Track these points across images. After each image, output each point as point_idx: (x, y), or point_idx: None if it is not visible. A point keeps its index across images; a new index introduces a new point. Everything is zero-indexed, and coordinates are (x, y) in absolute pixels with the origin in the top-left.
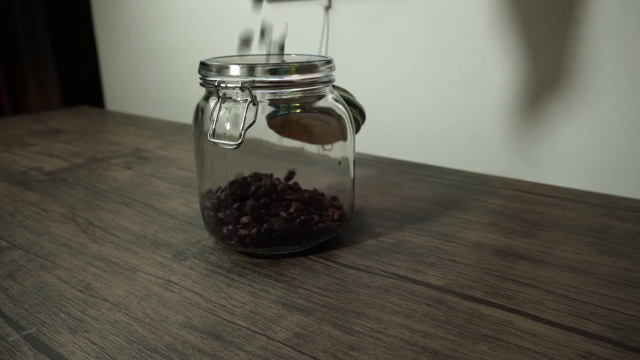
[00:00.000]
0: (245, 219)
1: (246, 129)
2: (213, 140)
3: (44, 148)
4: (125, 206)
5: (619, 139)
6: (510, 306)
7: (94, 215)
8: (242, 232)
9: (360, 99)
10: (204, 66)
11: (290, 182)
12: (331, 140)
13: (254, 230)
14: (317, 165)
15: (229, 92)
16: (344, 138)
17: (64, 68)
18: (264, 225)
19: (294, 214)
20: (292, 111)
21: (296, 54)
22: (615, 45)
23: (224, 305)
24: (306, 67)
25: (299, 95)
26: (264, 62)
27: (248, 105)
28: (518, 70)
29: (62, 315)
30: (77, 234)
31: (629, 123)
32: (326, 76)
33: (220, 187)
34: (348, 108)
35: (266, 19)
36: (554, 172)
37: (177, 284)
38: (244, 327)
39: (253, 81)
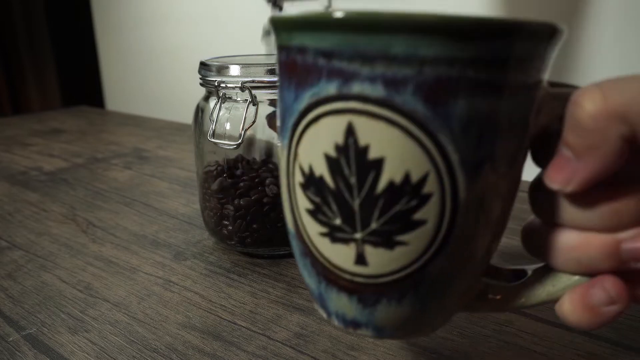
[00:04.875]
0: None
1: (246, 129)
2: (213, 140)
3: (44, 148)
4: (125, 206)
5: None
6: None
7: (94, 215)
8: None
9: None
10: (204, 66)
11: None
12: None
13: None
14: None
15: (229, 92)
16: None
17: (64, 68)
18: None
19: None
20: None
21: None
22: (617, 40)
23: (224, 305)
24: None
25: None
26: (264, 62)
27: (248, 105)
28: None
29: (62, 315)
30: (77, 234)
31: None
32: None
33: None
34: None
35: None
36: None
37: (177, 284)
38: (244, 327)
39: (253, 81)
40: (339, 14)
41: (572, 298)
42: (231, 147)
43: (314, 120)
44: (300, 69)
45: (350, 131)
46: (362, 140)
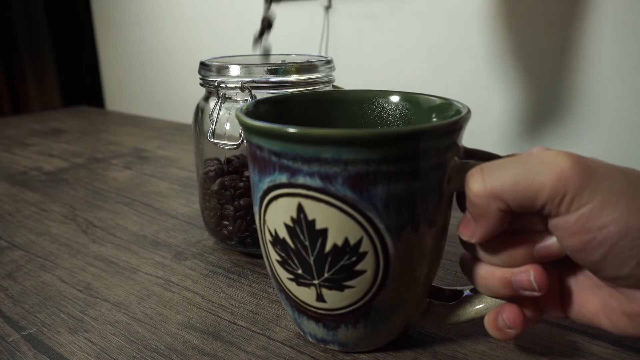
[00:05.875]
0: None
1: None
2: (213, 140)
3: (44, 148)
4: (125, 206)
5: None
6: None
7: (94, 215)
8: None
9: None
10: (203, 66)
11: None
12: None
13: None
14: None
15: (229, 93)
16: None
17: (64, 68)
18: None
19: None
20: None
21: (296, 54)
22: (618, 52)
23: (224, 305)
24: (306, 67)
25: None
26: (264, 62)
27: None
28: (518, 70)
29: (62, 315)
30: (77, 234)
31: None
32: (326, 76)
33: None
34: None
35: (269, 15)
36: None
37: (177, 284)
38: (244, 327)
39: (253, 81)
40: (281, 129)
41: (488, 319)
42: (231, 147)
43: (273, 199)
44: (259, 160)
45: (300, 209)
46: (310, 216)
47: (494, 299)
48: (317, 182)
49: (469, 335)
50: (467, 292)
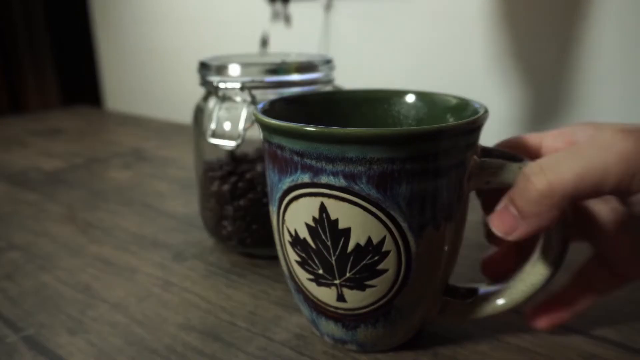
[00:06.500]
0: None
1: (246, 129)
2: (213, 140)
3: (42, 148)
4: (125, 206)
5: None
6: None
7: (93, 215)
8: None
9: None
10: (203, 66)
11: None
12: None
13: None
14: None
15: (228, 92)
16: None
17: (63, 67)
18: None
19: None
20: None
21: (296, 54)
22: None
23: (223, 306)
24: (306, 66)
25: None
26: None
27: (248, 105)
28: (519, 70)
29: (61, 316)
30: (76, 235)
31: None
32: (326, 76)
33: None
34: None
35: (266, 30)
36: None
37: (176, 285)
38: (243, 328)
39: (253, 81)
40: (305, 128)
41: (526, 312)
42: (231, 148)
43: (294, 198)
44: (280, 160)
45: (323, 209)
46: (333, 216)
47: (512, 297)
48: (341, 182)
49: (470, 336)
50: (482, 290)
